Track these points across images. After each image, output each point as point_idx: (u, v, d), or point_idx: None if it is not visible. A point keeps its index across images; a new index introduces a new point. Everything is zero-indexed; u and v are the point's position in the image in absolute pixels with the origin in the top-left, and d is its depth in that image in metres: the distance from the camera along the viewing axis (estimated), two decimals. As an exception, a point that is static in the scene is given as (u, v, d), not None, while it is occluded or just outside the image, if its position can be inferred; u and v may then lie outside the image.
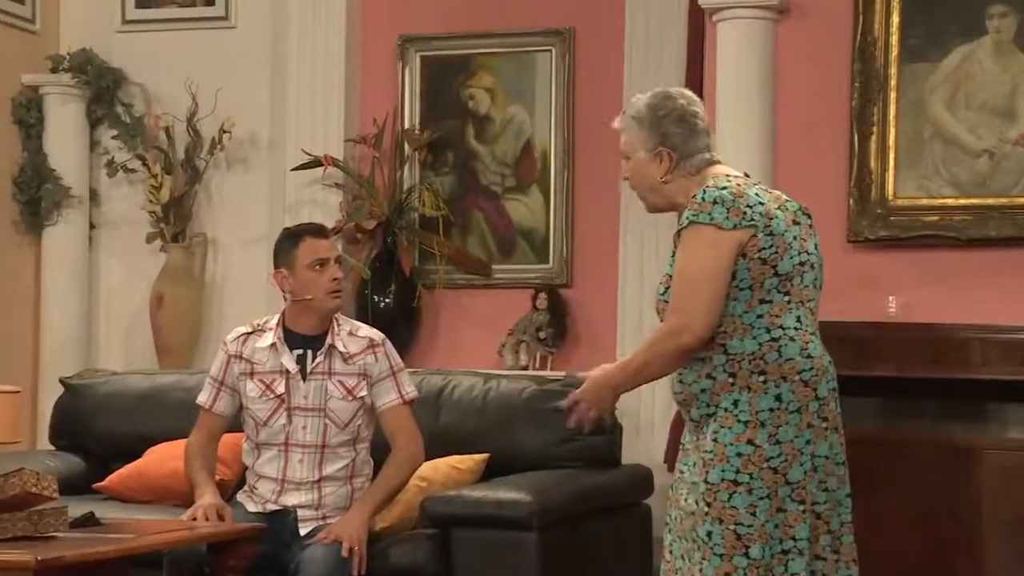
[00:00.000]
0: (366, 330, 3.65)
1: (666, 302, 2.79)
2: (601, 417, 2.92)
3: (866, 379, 4.13)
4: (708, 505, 2.73)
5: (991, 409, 4.18)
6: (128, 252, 5.57)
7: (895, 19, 4.37)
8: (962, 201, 4.30)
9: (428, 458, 3.84)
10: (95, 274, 5.62)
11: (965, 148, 4.33)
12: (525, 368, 5.04)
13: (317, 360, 3.55)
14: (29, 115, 5.46)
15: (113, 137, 5.54)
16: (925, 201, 4.35)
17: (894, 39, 4.38)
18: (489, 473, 3.89)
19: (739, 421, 2.73)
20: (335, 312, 3.61)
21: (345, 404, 3.54)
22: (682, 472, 2.84)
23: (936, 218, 4.31)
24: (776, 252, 2.76)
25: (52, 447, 4.52)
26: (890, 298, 4.28)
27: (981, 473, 3.98)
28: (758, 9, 4.44)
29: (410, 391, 3.62)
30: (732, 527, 2.71)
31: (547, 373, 4.86)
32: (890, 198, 4.37)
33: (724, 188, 2.76)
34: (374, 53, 5.42)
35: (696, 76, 4.69)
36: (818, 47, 4.46)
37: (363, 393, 3.56)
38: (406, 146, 5.34)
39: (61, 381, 4.60)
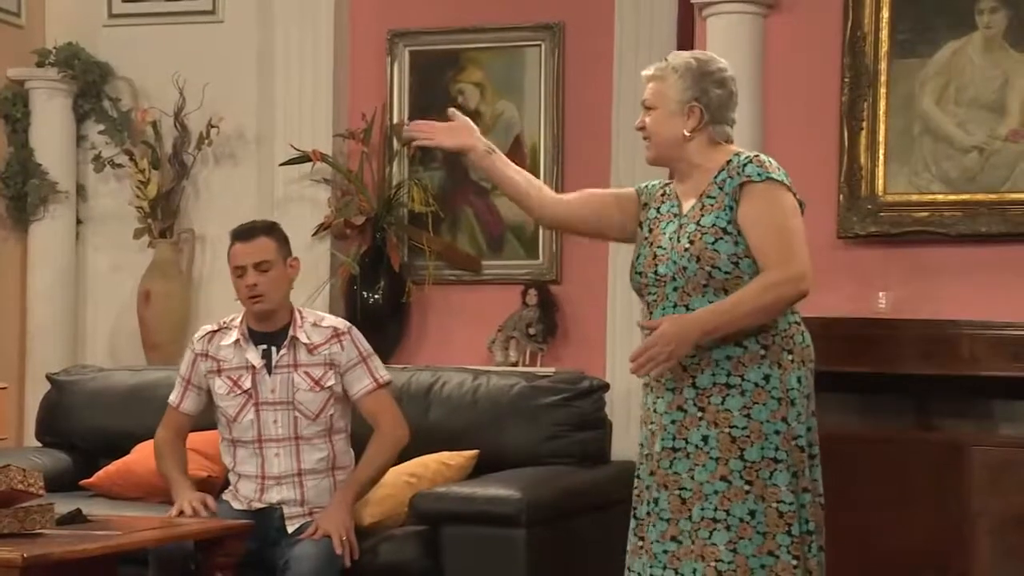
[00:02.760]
0: (331, 319, 3.65)
1: (716, 251, 2.74)
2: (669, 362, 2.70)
3: (856, 375, 4.13)
4: (749, 484, 2.70)
5: (981, 405, 4.18)
6: (115, 247, 5.55)
7: (885, 14, 4.37)
8: (952, 197, 4.30)
9: (417, 454, 3.83)
10: (82, 270, 5.59)
11: (955, 144, 4.32)
12: (515, 364, 5.03)
13: (281, 353, 3.56)
14: (15, 109, 5.43)
15: (100, 132, 5.51)
16: (915, 197, 4.34)
17: (884, 34, 4.37)
18: (479, 469, 3.88)
19: (772, 398, 2.73)
20: (262, 314, 3.57)
21: (313, 395, 3.54)
22: (677, 449, 2.75)
23: (926, 214, 4.31)
24: None
25: (39, 443, 4.50)
26: (880, 294, 4.27)
27: (971, 469, 3.98)
28: (747, 4, 4.43)
29: (384, 374, 3.62)
30: (775, 504, 2.71)
31: (537, 369, 4.85)
32: (880, 194, 4.37)
33: (771, 162, 2.82)
34: (363, 48, 5.40)
35: (686, 71, 4.68)
36: (807, 42, 4.45)
37: (331, 383, 3.56)
38: (395, 141, 5.32)
39: (48, 377, 4.58)
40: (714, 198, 2.80)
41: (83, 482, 4.14)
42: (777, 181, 2.78)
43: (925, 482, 3.99)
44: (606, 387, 4.11)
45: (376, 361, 3.63)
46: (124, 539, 3.10)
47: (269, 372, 3.56)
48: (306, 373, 3.55)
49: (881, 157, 4.36)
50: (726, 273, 2.75)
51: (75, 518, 3.21)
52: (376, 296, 5.21)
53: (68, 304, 5.51)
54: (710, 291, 2.76)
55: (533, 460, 3.90)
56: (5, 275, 5.45)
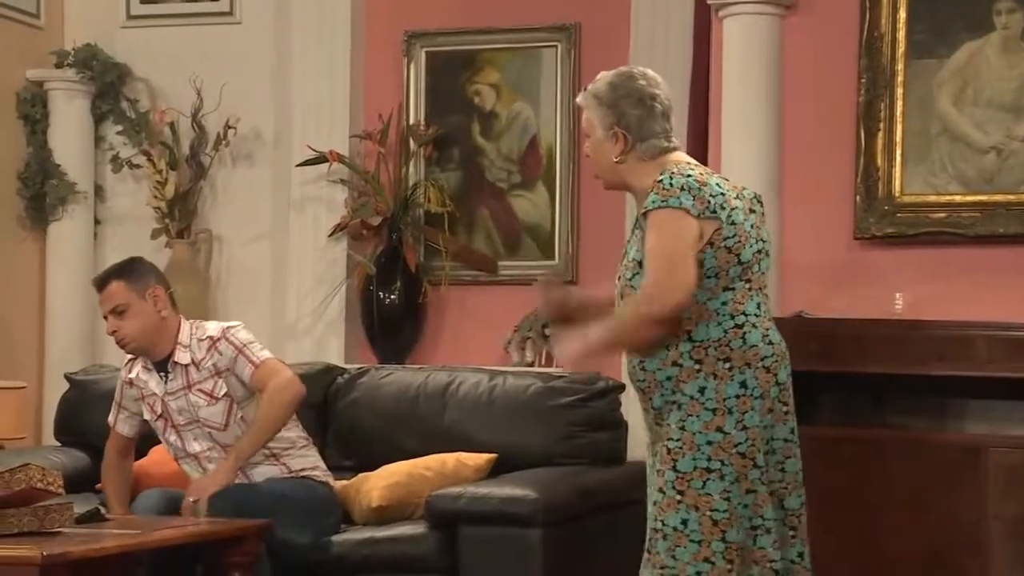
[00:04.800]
0: (210, 329, 3.69)
1: (633, 288, 2.83)
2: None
3: (872, 376, 4.12)
4: (680, 493, 2.77)
5: (997, 407, 4.16)
6: (133, 248, 5.53)
7: (902, 15, 4.35)
8: (969, 198, 4.29)
9: (433, 453, 3.85)
10: (100, 269, 5.59)
11: (972, 144, 4.31)
12: (531, 365, 5.03)
13: (171, 378, 3.66)
14: (34, 110, 5.46)
15: (118, 132, 5.54)
16: (932, 198, 4.33)
17: (901, 35, 4.36)
18: (494, 470, 3.89)
19: (706, 409, 2.78)
20: (136, 352, 3.68)
21: (213, 408, 3.63)
22: (651, 465, 2.89)
23: (943, 215, 4.30)
24: (739, 241, 2.82)
25: (57, 443, 4.52)
26: (896, 295, 4.26)
27: (987, 471, 3.96)
28: (764, 5, 4.42)
29: (262, 355, 3.63)
30: (708, 513, 2.76)
31: (552, 370, 4.85)
32: (897, 195, 4.35)
33: (689, 176, 2.80)
34: (379, 49, 5.41)
35: (702, 72, 4.67)
36: (824, 43, 4.45)
37: (224, 390, 3.62)
38: (411, 142, 5.33)
39: (66, 377, 4.60)
40: (639, 227, 2.88)
41: (100, 486, 4.15)
42: (670, 208, 2.77)
43: (940, 484, 3.98)
44: (622, 388, 4.11)
45: (255, 347, 3.65)
46: (142, 538, 3.12)
47: (169, 397, 3.66)
48: (200, 390, 3.63)
49: (898, 158, 4.35)
50: None
51: (93, 517, 3.23)
52: (392, 297, 5.22)
53: (86, 304, 5.53)
54: None
55: (549, 460, 3.91)
56: (24, 275, 5.48)
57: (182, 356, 3.63)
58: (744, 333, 2.80)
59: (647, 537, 2.88)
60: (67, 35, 5.56)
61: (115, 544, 3.00)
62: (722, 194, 2.82)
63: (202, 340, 3.65)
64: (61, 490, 3.05)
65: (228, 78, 5.37)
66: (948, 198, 4.31)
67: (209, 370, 3.62)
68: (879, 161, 4.35)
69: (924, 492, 3.99)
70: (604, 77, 2.93)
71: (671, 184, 2.78)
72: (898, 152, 4.35)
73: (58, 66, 5.47)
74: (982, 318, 4.08)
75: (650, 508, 2.88)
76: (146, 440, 4.16)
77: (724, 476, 2.77)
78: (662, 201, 2.77)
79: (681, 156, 2.90)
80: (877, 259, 4.36)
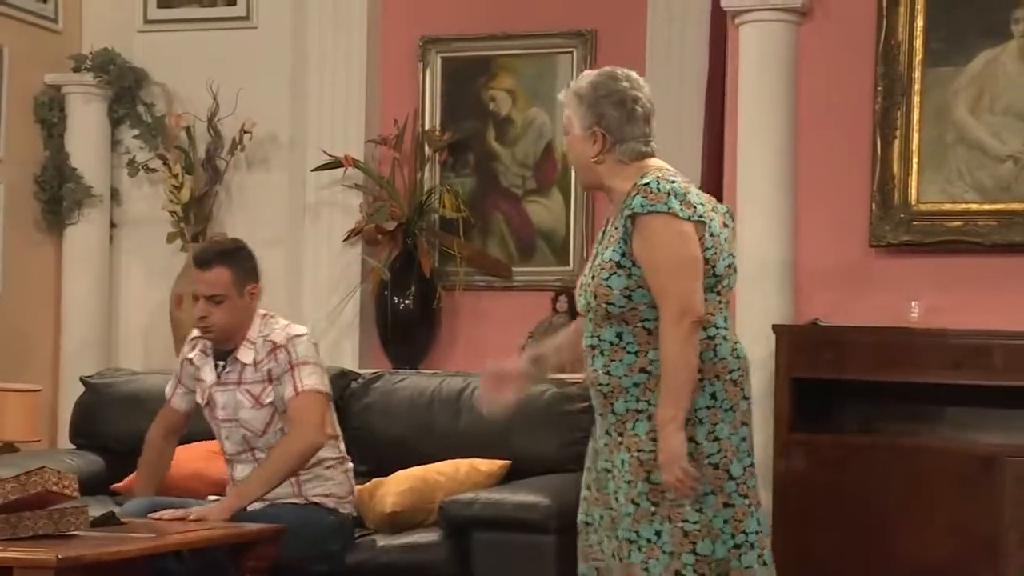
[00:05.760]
0: (278, 332, 3.57)
1: (609, 288, 2.80)
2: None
3: (888, 384, 4.10)
4: (655, 505, 2.76)
5: (1013, 416, 4.15)
6: (148, 251, 5.58)
7: (919, 22, 4.34)
8: (986, 206, 4.27)
9: (447, 459, 3.84)
10: (116, 273, 5.63)
11: (989, 153, 4.29)
12: (544, 370, 5.02)
13: (227, 371, 3.57)
14: (51, 114, 5.48)
15: (134, 137, 5.56)
16: (948, 206, 4.31)
17: (918, 42, 4.35)
18: (508, 475, 3.89)
19: None
20: (213, 341, 3.59)
21: (256, 412, 3.54)
22: (608, 471, 2.84)
23: (959, 223, 4.28)
24: (715, 252, 2.82)
25: (72, 446, 4.53)
26: (912, 303, 4.25)
27: (1002, 481, 3.95)
28: (781, 12, 4.41)
29: (308, 383, 3.50)
30: (680, 524, 2.75)
31: (567, 376, 4.84)
32: (913, 203, 4.34)
33: (673, 182, 2.81)
34: (395, 54, 5.42)
35: (718, 79, 4.67)
36: (841, 50, 4.44)
37: (270, 399, 3.54)
38: (427, 147, 5.34)
39: (81, 380, 4.61)
40: (617, 228, 2.84)
41: (114, 487, 4.17)
42: (659, 213, 2.76)
43: (956, 494, 3.96)
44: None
45: (307, 370, 3.53)
46: (157, 541, 3.12)
47: (219, 389, 3.59)
48: (247, 391, 3.55)
49: (914, 166, 4.34)
50: (620, 307, 2.80)
51: (108, 520, 3.24)
52: (407, 301, 5.22)
53: (102, 307, 5.55)
54: (614, 323, 2.81)
55: (563, 466, 3.89)
56: (40, 278, 5.50)
57: (245, 354, 3.55)
58: (716, 345, 2.80)
59: (612, 545, 2.84)
60: (85, 40, 5.58)
61: (130, 547, 3.00)
62: (701, 204, 2.83)
63: (267, 341, 3.55)
64: (76, 493, 3.06)
65: (244, 83, 5.39)
66: (964, 206, 4.30)
67: (263, 374, 3.54)
68: (895, 169, 4.34)
69: (939, 502, 3.97)
70: (587, 76, 2.91)
71: (658, 188, 2.78)
72: (914, 160, 4.34)
73: (75, 70, 5.50)
74: (999, 327, 4.07)
75: (603, 510, 2.85)
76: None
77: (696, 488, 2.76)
78: (651, 205, 2.76)
79: (661, 163, 2.90)
80: (893, 267, 4.35)
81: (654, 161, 2.88)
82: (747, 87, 4.43)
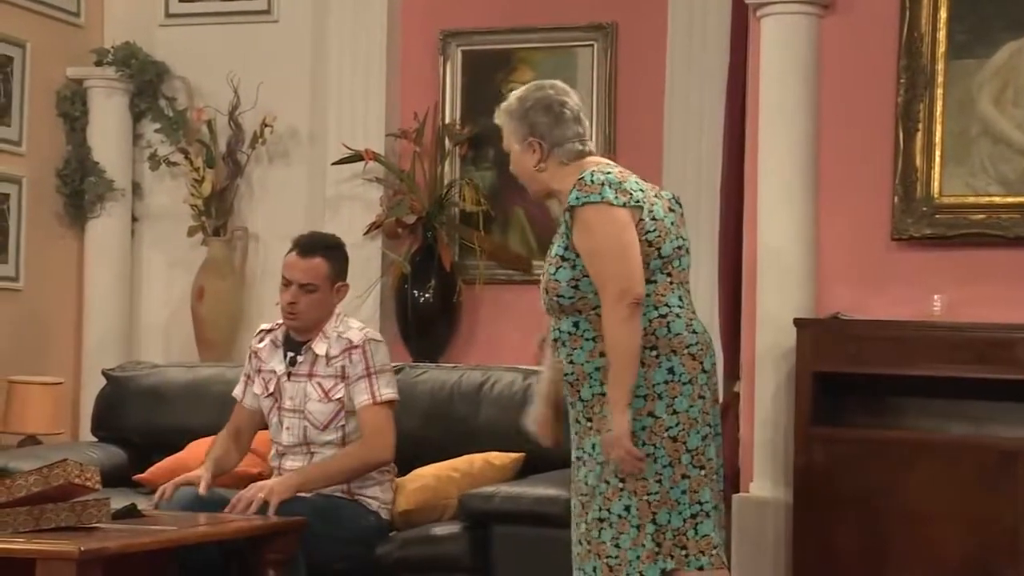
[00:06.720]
0: (354, 332, 3.65)
1: (557, 281, 2.92)
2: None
3: (910, 378, 4.08)
4: (623, 481, 2.88)
5: (1037, 410, 4.12)
6: (170, 245, 5.60)
7: (942, 14, 4.31)
8: (1009, 199, 4.24)
9: (467, 453, 3.85)
10: (137, 267, 5.65)
11: (1013, 146, 4.26)
12: (564, 364, 5.02)
13: (300, 362, 3.63)
14: (73, 108, 5.51)
15: (156, 130, 5.58)
16: (972, 199, 4.28)
17: (941, 35, 4.32)
18: (527, 469, 3.89)
19: (637, 396, 2.86)
20: (295, 329, 3.64)
21: (323, 406, 3.60)
22: (579, 458, 2.97)
23: (983, 216, 4.25)
24: (659, 235, 2.93)
25: (94, 438, 4.55)
26: (935, 297, 4.23)
27: (1025, 475, 3.92)
28: (802, 4, 4.39)
29: (385, 392, 3.61)
30: (645, 497, 2.87)
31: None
32: (936, 196, 4.31)
33: (608, 173, 2.93)
34: (415, 47, 5.42)
35: (739, 72, 4.65)
36: (863, 43, 4.41)
37: (340, 395, 3.59)
38: (447, 141, 5.34)
39: (103, 373, 4.64)
40: (561, 224, 2.96)
41: (136, 477, 4.19)
42: (592, 203, 2.87)
43: (978, 489, 3.94)
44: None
45: (384, 378, 3.62)
46: (179, 534, 3.14)
47: (289, 379, 3.63)
48: (318, 384, 3.61)
49: (937, 159, 4.31)
50: (570, 298, 2.92)
51: (130, 512, 3.25)
52: (427, 295, 5.22)
53: (123, 300, 5.58)
54: (569, 314, 2.94)
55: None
56: (62, 272, 5.52)
57: (320, 346, 3.61)
58: (668, 322, 2.90)
59: (580, 531, 2.93)
60: (107, 34, 5.60)
61: (151, 539, 3.02)
62: (640, 191, 2.95)
63: (343, 338, 3.62)
64: (98, 485, 3.07)
65: (265, 77, 5.40)
66: (988, 199, 4.27)
67: (336, 370, 3.60)
68: (918, 162, 4.31)
69: (961, 497, 3.95)
70: (514, 93, 3.07)
71: (592, 180, 2.90)
72: (937, 153, 4.31)
73: (97, 64, 5.52)
74: (1022, 320, 4.04)
75: (574, 500, 2.98)
76: (184, 434, 4.20)
77: (657, 459, 2.87)
78: (585, 197, 2.88)
79: (600, 159, 3.03)
80: (915, 260, 4.33)
81: (593, 158, 3.01)
82: (768, 80, 4.41)
